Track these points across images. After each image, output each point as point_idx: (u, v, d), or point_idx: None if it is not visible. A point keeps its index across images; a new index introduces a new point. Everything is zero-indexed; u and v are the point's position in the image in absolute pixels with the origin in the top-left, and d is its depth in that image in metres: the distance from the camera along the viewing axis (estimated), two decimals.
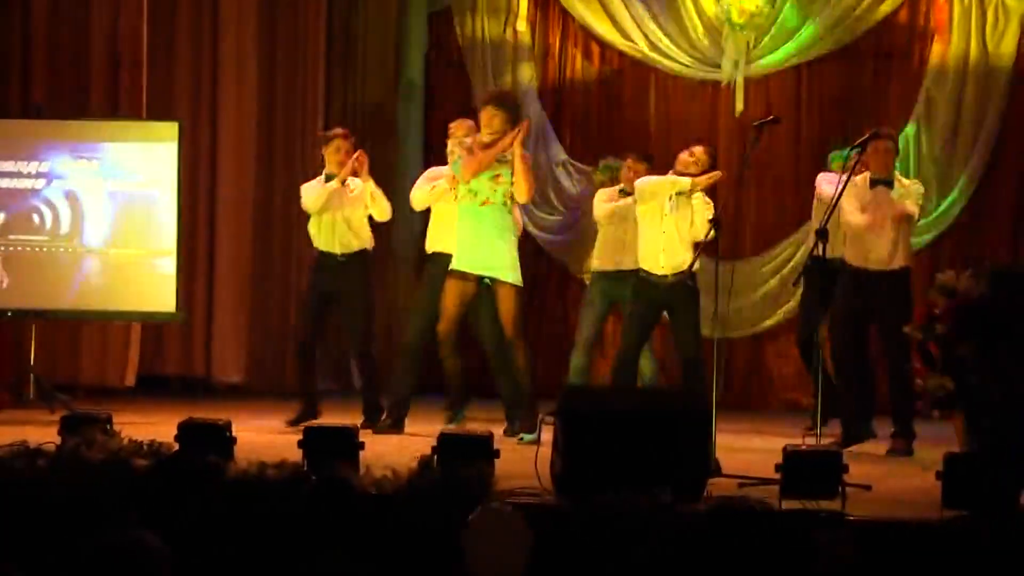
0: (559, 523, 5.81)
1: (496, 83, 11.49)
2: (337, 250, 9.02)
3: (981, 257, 10.00)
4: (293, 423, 8.63)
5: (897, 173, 8.47)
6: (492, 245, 8.41)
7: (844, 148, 8.65)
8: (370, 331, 9.22)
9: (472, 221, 8.45)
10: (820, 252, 7.35)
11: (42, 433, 6.92)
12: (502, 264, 8.43)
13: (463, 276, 8.47)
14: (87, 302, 9.84)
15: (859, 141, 7.81)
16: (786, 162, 10.98)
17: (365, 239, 9.08)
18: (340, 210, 9.00)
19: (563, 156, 11.53)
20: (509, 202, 8.48)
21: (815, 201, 9.28)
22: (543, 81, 11.66)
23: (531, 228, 11.13)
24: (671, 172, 8.64)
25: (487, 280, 8.51)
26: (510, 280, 8.43)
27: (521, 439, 8.21)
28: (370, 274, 9.22)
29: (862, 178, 8.30)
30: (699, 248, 8.12)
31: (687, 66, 11.22)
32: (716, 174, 8.49)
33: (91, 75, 10.91)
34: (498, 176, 8.43)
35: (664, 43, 11.23)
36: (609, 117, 11.56)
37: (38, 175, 9.84)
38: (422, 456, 6.19)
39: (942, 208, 10.74)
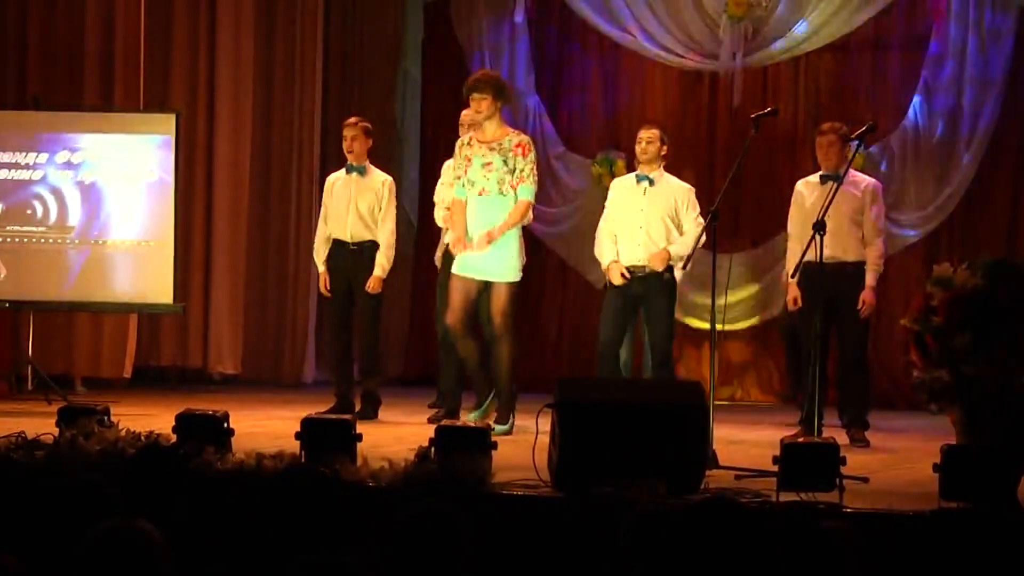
0: (556, 515, 5.82)
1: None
2: (348, 238, 9.09)
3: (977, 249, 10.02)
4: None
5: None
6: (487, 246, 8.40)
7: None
8: (378, 324, 9.25)
9: (472, 215, 8.46)
10: (817, 246, 7.36)
11: (40, 424, 6.93)
12: (495, 267, 8.39)
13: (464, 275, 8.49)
14: (84, 294, 9.83)
15: (857, 133, 7.81)
16: (784, 154, 10.98)
17: (376, 231, 9.12)
18: (352, 198, 9.08)
19: (560, 148, 11.53)
20: (508, 190, 8.43)
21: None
22: (540, 73, 11.65)
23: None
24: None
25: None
26: (504, 280, 8.42)
27: (492, 430, 8.24)
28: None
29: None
30: (695, 244, 8.17)
31: (685, 58, 11.22)
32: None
33: (87, 66, 10.90)
34: (488, 164, 8.41)
35: (661, 35, 11.22)
36: (606, 109, 11.56)
37: (35, 166, 9.82)
38: (420, 448, 6.21)
39: (939, 200, 10.75)
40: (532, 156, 8.41)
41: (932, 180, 10.75)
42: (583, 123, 11.63)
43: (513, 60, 11.61)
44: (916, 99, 10.80)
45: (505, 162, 8.33)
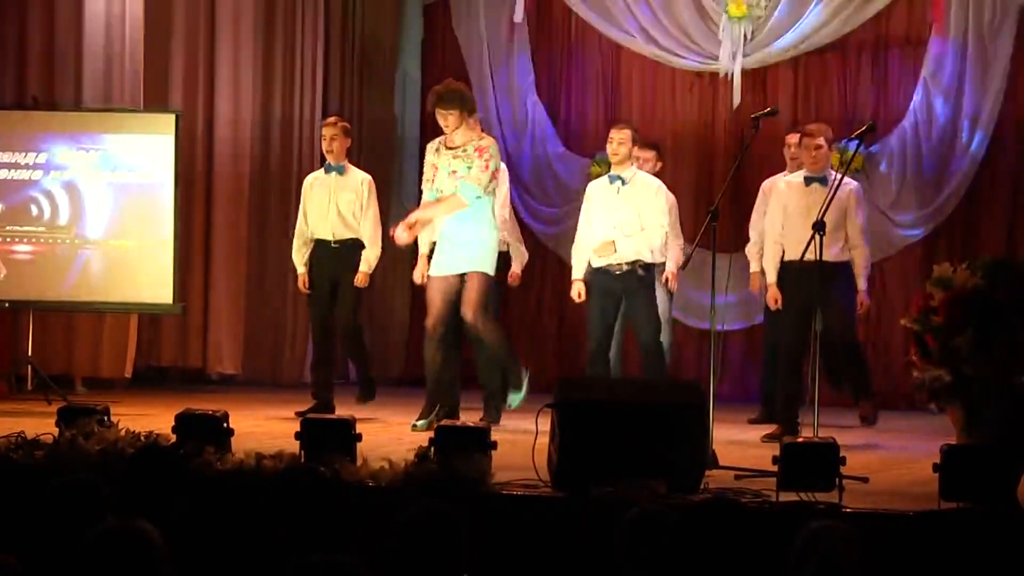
0: (556, 515, 5.81)
1: (492, 73, 11.50)
2: (330, 236, 9.15)
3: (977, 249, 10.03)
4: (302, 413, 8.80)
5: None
6: (459, 242, 8.37)
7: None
8: (356, 315, 9.26)
9: (442, 222, 8.47)
10: (817, 247, 7.36)
11: (40, 424, 6.93)
12: (469, 258, 8.38)
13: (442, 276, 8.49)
14: (85, 293, 9.83)
15: (857, 133, 7.81)
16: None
17: (357, 229, 9.15)
18: (332, 198, 9.15)
19: (560, 148, 11.53)
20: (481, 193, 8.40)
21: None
22: (540, 73, 11.66)
23: (528, 219, 11.16)
24: None
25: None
26: (477, 269, 8.39)
27: (509, 405, 8.29)
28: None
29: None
30: (692, 245, 8.20)
31: (684, 58, 11.21)
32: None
33: (87, 66, 10.87)
34: (454, 172, 8.40)
35: (661, 35, 11.22)
36: (606, 109, 11.56)
37: (35, 166, 9.82)
38: (420, 448, 6.21)
39: (939, 200, 10.75)
40: (487, 156, 8.32)
41: (932, 180, 10.74)
42: (583, 123, 11.63)
43: (513, 60, 11.61)
44: (916, 99, 10.79)
45: (469, 168, 8.33)
